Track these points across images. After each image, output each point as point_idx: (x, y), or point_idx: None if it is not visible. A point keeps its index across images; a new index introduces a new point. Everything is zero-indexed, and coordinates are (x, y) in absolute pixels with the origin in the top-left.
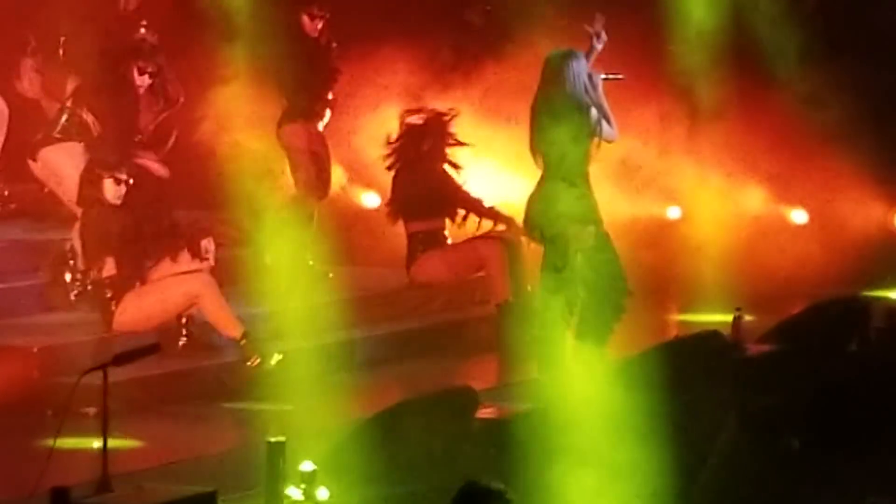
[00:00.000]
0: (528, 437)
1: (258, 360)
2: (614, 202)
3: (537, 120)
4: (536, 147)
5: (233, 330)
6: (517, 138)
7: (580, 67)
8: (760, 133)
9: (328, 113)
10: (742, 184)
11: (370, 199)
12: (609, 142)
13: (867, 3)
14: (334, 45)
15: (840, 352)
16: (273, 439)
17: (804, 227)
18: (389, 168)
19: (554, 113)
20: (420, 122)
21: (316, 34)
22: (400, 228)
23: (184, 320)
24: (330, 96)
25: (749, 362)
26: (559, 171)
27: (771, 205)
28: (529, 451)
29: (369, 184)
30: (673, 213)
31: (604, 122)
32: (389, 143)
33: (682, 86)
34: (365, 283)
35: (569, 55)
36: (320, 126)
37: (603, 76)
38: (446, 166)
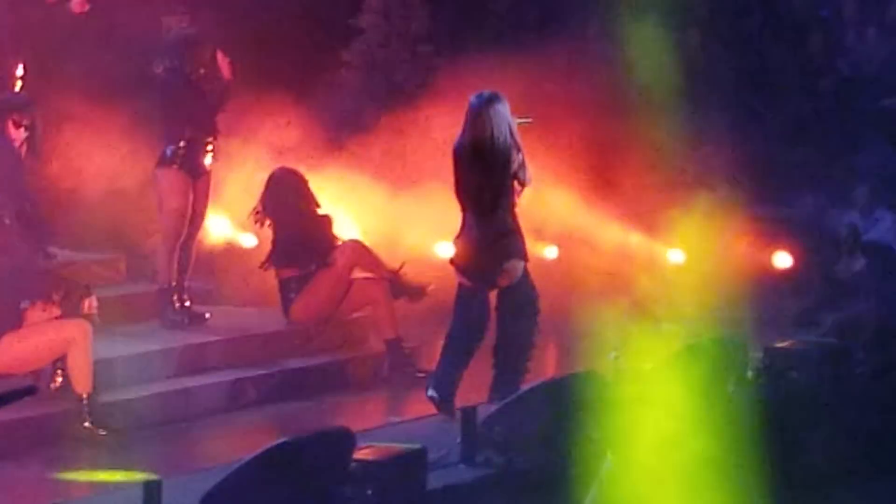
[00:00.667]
0: (406, 478)
1: (88, 423)
2: None
3: (463, 164)
4: (463, 190)
5: (83, 386)
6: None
7: (504, 110)
8: (638, 172)
9: (209, 157)
10: (621, 223)
11: (248, 240)
12: (526, 185)
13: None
14: (219, 89)
15: (718, 392)
16: (148, 480)
17: (681, 267)
18: (256, 223)
19: (479, 156)
20: (282, 173)
21: (199, 74)
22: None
23: (58, 363)
24: (210, 141)
25: (625, 402)
26: (486, 213)
27: (648, 245)
28: (406, 491)
29: (246, 225)
30: (550, 252)
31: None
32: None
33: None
34: (244, 324)
35: (493, 98)
36: (201, 167)
37: (517, 120)
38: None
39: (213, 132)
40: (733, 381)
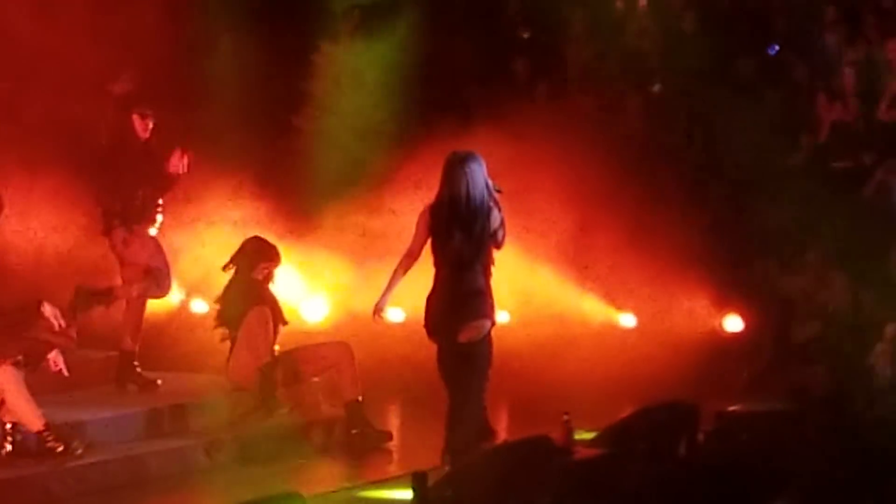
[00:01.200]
0: None
1: (61, 448)
2: None
3: (440, 222)
4: (440, 249)
5: (35, 423)
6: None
7: (481, 170)
8: (592, 237)
9: (159, 218)
10: (572, 287)
11: (198, 306)
12: (500, 247)
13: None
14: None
15: (669, 456)
16: None
17: (633, 330)
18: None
19: (457, 215)
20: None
21: (146, 135)
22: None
23: (8, 426)
24: (160, 202)
25: (577, 466)
26: (464, 271)
27: (600, 309)
28: None
29: (200, 291)
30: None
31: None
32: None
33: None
34: (196, 389)
35: (469, 157)
36: (152, 231)
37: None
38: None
39: (163, 191)
40: (684, 445)
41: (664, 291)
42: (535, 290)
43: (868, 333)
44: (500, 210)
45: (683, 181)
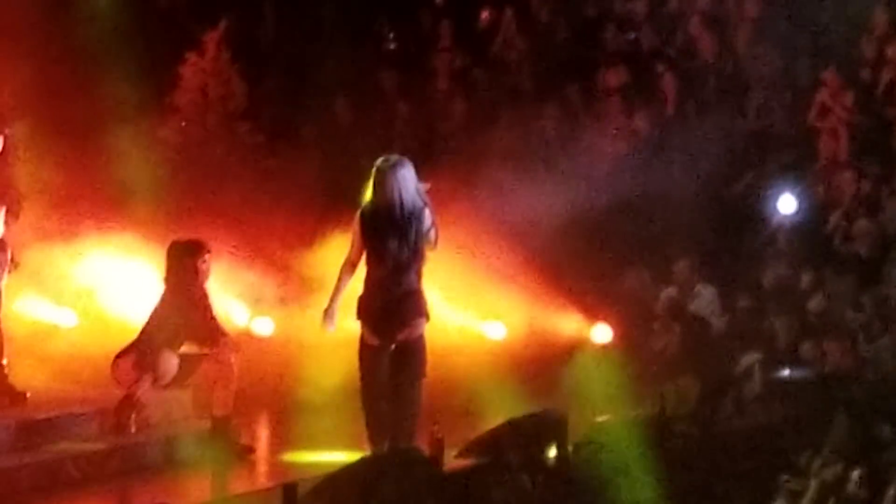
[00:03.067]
0: None
1: None
2: None
3: (372, 226)
4: (373, 251)
5: None
6: None
7: (410, 173)
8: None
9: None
10: (439, 297)
11: (67, 319)
12: (433, 247)
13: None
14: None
15: (538, 466)
16: None
17: (502, 341)
18: None
19: (391, 219)
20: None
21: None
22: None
23: None
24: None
25: (447, 477)
26: (399, 272)
27: (469, 319)
28: None
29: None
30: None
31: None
32: None
33: None
34: (65, 402)
35: (398, 164)
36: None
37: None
38: None
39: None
40: (554, 456)
41: (534, 301)
42: None
43: (738, 342)
44: (430, 210)
45: (555, 192)
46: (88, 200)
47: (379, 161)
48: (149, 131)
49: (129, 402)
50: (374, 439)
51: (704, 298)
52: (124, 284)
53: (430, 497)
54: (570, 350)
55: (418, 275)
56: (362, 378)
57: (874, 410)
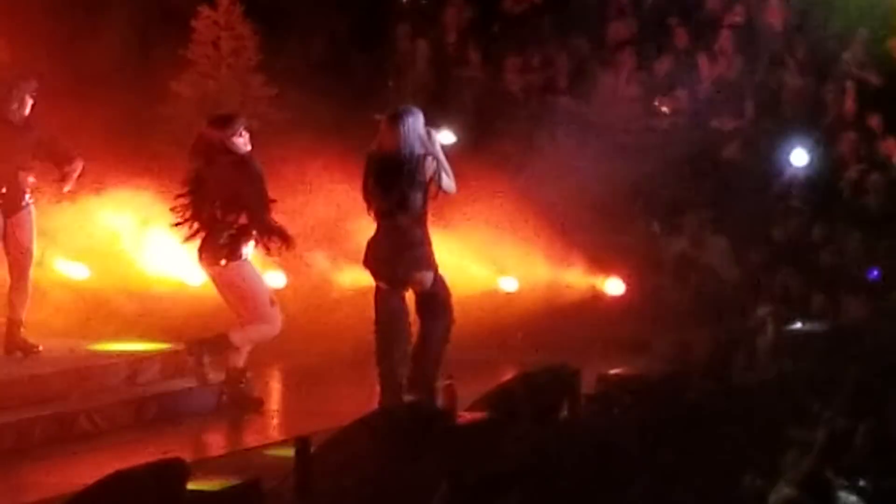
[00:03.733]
0: None
1: None
2: None
3: (374, 173)
4: (371, 195)
5: None
6: None
7: (416, 122)
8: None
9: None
10: (454, 251)
11: (79, 272)
12: (448, 193)
13: None
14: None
15: (551, 419)
16: None
17: (515, 294)
18: None
19: (390, 167)
20: None
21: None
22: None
23: None
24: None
25: (460, 430)
26: (395, 220)
27: (482, 273)
28: None
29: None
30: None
31: (443, 174)
32: None
33: None
34: (75, 355)
35: (405, 111)
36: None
37: (440, 137)
38: None
39: (27, 167)
40: (566, 409)
41: (545, 255)
42: None
43: (749, 295)
44: (434, 159)
45: (563, 145)
46: (101, 155)
47: (389, 109)
48: (162, 85)
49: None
50: (384, 392)
51: (717, 251)
52: (137, 238)
53: (443, 450)
54: (583, 303)
55: (420, 223)
56: (375, 322)
57: (886, 363)
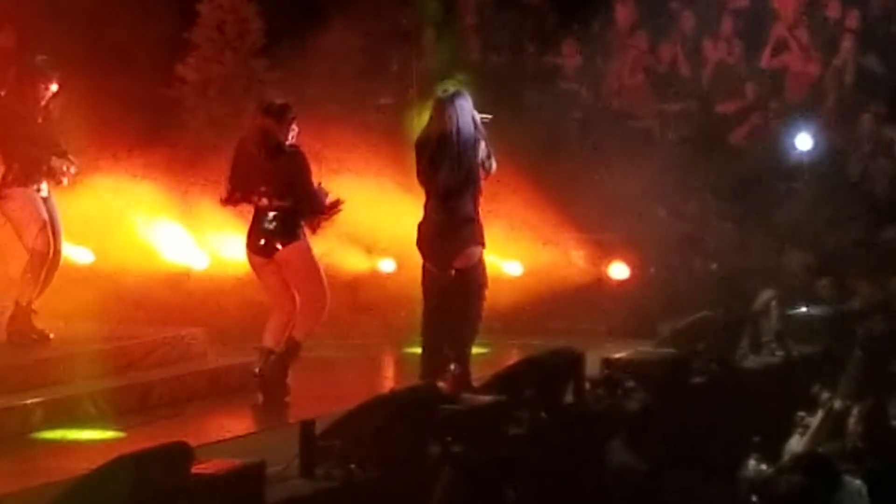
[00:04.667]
0: (245, 492)
1: None
2: None
3: (428, 155)
4: (428, 179)
5: None
6: None
7: (468, 105)
8: None
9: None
10: None
11: (84, 256)
12: (490, 173)
13: None
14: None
15: (555, 403)
16: None
17: (519, 278)
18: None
19: (446, 148)
20: None
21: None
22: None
23: None
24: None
25: (465, 414)
26: (451, 200)
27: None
28: None
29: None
30: (387, 266)
31: (492, 157)
32: None
33: None
34: (84, 339)
35: (457, 94)
36: (44, 191)
37: (479, 116)
38: None
39: (55, 151)
40: (571, 392)
41: (550, 239)
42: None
43: (754, 279)
44: (486, 141)
45: (569, 129)
46: (106, 138)
47: (438, 91)
48: (167, 68)
49: None
50: (424, 368)
51: (720, 234)
52: (143, 222)
53: (448, 433)
54: (588, 288)
55: (474, 203)
56: (424, 304)
57: (889, 347)
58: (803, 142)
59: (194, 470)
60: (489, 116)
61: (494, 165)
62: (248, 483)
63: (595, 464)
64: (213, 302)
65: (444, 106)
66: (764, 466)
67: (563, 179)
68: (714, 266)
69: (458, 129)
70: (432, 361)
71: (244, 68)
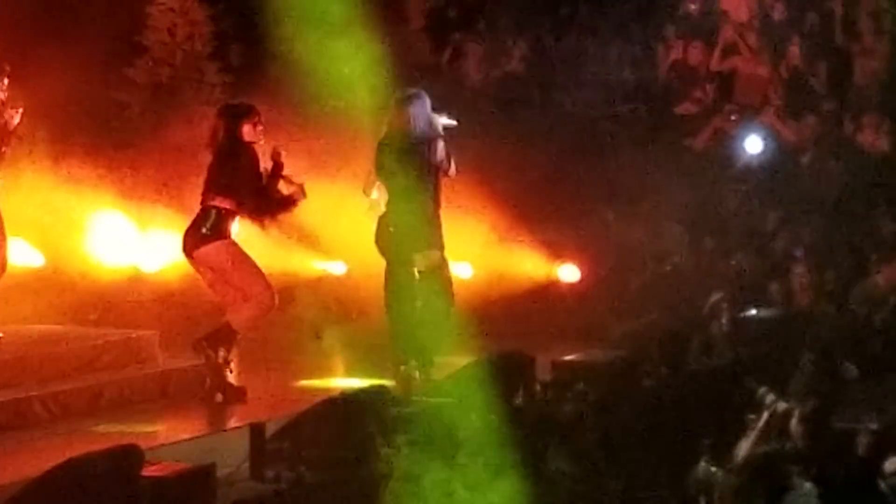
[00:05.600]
0: (196, 494)
1: None
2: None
3: (383, 155)
4: (383, 179)
5: None
6: None
7: (424, 106)
8: None
9: None
10: None
11: (36, 259)
12: (450, 177)
13: None
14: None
15: (506, 405)
16: None
17: (469, 281)
18: None
19: (401, 148)
20: None
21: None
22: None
23: None
24: None
25: (415, 415)
26: (406, 201)
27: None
28: None
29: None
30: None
31: (452, 159)
32: None
33: None
34: (32, 341)
35: (414, 95)
36: None
37: (443, 120)
38: None
39: None
40: (521, 395)
41: (500, 241)
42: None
43: (704, 282)
44: (443, 142)
45: (520, 131)
46: (56, 140)
47: (396, 93)
48: (117, 71)
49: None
50: (394, 364)
51: (671, 237)
52: (92, 224)
53: (399, 435)
54: (538, 290)
55: (434, 203)
56: (385, 299)
57: (840, 349)
58: (753, 144)
59: (144, 472)
60: (454, 122)
61: (454, 168)
62: (197, 485)
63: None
64: (164, 303)
65: (399, 107)
66: (714, 469)
67: (516, 180)
68: (666, 268)
69: (416, 128)
70: (398, 357)
71: (195, 71)
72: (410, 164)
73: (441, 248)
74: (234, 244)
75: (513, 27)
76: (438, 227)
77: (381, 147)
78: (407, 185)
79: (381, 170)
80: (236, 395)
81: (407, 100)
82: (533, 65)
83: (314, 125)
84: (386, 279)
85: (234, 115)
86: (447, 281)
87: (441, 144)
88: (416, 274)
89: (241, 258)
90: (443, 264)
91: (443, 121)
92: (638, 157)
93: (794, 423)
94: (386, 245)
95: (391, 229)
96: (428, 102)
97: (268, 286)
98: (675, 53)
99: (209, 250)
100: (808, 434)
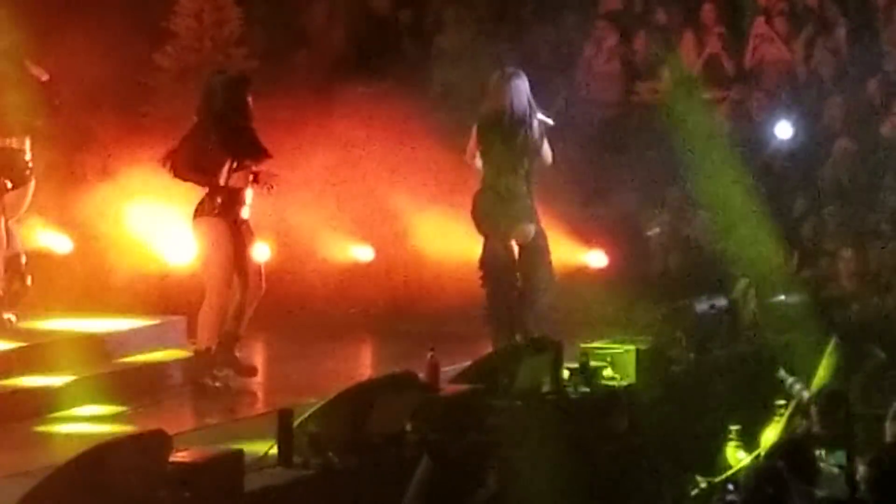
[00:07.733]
0: (221, 480)
1: None
2: None
3: (483, 133)
4: (483, 156)
5: None
6: None
7: (523, 85)
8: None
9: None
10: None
11: (62, 245)
12: (545, 162)
13: None
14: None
15: (532, 391)
16: None
17: None
18: None
19: (499, 125)
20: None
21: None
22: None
23: None
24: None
25: (442, 401)
26: (504, 175)
27: (469, 247)
28: (224, 493)
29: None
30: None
31: (545, 143)
32: None
33: None
34: (49, 328)
35: (513, 74)
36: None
37: (539, 117)
38: None
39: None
40: (549, 381)
41: None
42: (401, 230)
43: (732, 268)
44: (540, 123)
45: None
46: (82, 127)
47: (496, 71)
48: (145, 57)
49: None
50: (495, 340)
51: (698, 223)
52: (119, 211)
53: (425, 422)
54: (565, 276)
55: (526, 181)
56: (483, 272)
57: (867, 334)
58: (783, 130)
59: (172, 458)
60: (550, 121)
61: (549, 155)
62: (225, 470)
63: (573, 451)
64: (192, 290)
65: (499, 85)
66: (742, 454)
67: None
68: (692, 255)
69: (512, 108)
70: (500, 330)
71: (222, 57)
72: (511, 139)
73: (536, 221)
74: (212, 226)
75: (529, 15)
76: (532, 200)
77: (482, 122)
78: (505, 161)
79: (482, 144)
80: (247, 371)
81: (507, 77)
82: (558, 47)
83: (339, 113)
84: (483, 253)
85: (221, 88)
86: (546, 252)
87: (537, 123)
88: (515, 247)
89: (210, 243)
90: (539, 237)
91: (539, 117)
92: (664, 144)
93: (820, 408)
94: (483, 219)
95: (488, 204)
96: (526, 81)
97: (224, 289)
98: (712, 45)
99: (193, 229)
100: (834, 420)
